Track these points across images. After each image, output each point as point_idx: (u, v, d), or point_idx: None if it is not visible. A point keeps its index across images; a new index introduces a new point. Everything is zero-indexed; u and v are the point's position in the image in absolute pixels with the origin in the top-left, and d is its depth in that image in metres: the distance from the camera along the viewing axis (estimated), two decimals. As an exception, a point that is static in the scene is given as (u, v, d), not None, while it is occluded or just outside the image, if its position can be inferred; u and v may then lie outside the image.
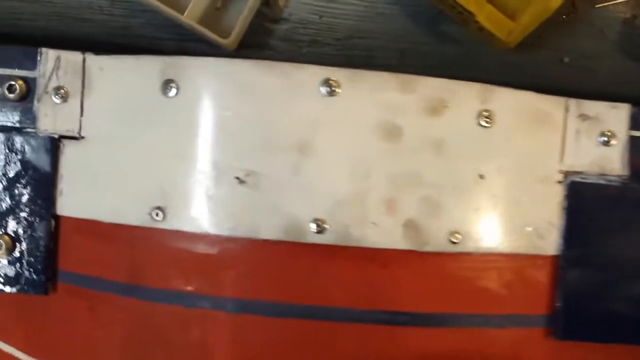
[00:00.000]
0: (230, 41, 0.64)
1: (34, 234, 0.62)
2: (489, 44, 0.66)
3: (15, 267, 0.63)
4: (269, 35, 0.69)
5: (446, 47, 0.70)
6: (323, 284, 0.59)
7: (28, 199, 0.62)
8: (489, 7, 0.62)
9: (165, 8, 0.63)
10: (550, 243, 0.62)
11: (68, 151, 0.62)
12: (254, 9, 0.64)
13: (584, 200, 0.62)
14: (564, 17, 0.68)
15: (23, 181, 0.62)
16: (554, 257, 0.62)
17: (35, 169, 0.62)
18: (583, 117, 0.62)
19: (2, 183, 0.63)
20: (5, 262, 0.63)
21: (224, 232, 0.59)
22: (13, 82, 0.61)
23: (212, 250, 0.60)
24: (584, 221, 0.62)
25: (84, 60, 0.61)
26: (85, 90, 0.61)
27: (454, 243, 0.59)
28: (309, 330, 0.60)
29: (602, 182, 0.63)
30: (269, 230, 0.58)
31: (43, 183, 0.62)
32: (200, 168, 0.59)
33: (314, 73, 0.58)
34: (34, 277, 0.63)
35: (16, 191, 0.62)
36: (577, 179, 0.62)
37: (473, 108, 0.59)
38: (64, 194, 0.62)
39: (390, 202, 0.58)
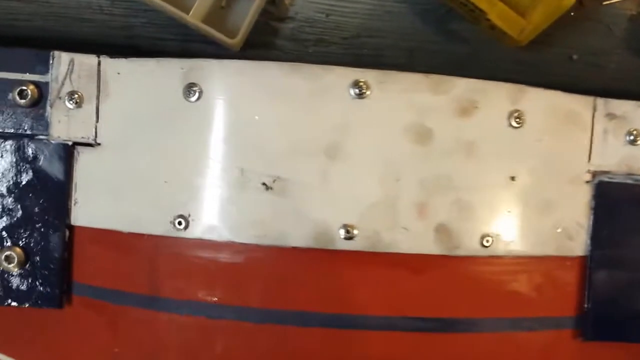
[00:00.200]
0: (237, 41, 0.62)
1: (47, 246, 0.60)
2: (500, 42, 0.66)
3: (27, 281, 0.61)
4: (274, 34, 0.68)
5: (455, 45, 0.70)
6: (352, 291, 0.58)
7: (41, 209, 0.60)
8: (501, 4, 0.62)
9: (170, 8, 0.61)
10: (579, 244, 0.61)
11: (83, 158, 0.60)
12: (260, 7, 0.63)
13: (611, 200, 0.62)
14: (572, 13, 0.68)
15: (35, 190, 0.60)
16: (582, 258, 0.62)
17: (48, 177, 0.60)
18: (610, 116, 0.62)
19: (13, 193, 0.60)
20: (17, 275, 0.61)
21: (250, 240, 0.57)
22: (24, 87, 0.59)
23: (238, 259, 0.58)
24: (612, 221, 0.62)
25: (99, 64, 0.59)
26: (101, 95, 0.59)
27: (485, 246, 0.58)
28: (339, 339, 0.58)
29: (629, 181, 0.62)
30: (297, 237, 0.57)
31: (56, 192, 0.60)
32: (224, 174, 0.57)
33: (343, 75, 0.56)
34: (48, 290, 0.61)
35: (28, 201, 0.60)
36: (605, 178, 0.62)
37: (504, 108, 0.58)
38: (78, 203, 0.60)
39: (421, 206, 0.57)
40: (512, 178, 0.59)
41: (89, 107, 0.59)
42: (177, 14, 0.61)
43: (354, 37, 0.68)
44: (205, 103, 0.57)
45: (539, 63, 0.70)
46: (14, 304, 0.61)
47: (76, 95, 0.59)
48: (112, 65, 0.59)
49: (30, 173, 0.60)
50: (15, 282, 0.61)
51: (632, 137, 0.62)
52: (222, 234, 0.57)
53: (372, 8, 0.68)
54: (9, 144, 0.60)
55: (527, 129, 0.59)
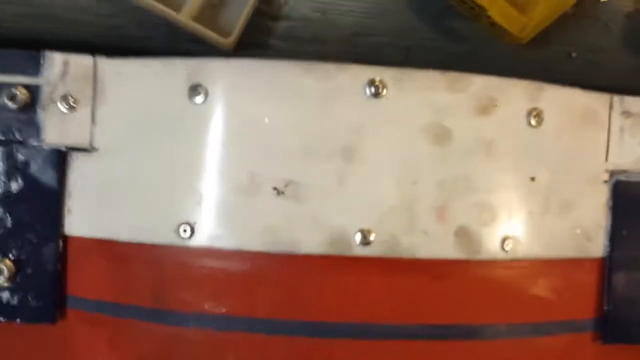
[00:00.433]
0: (231, 40, 0.60)
1: (39, 257, 0.57)
2: (500, 40, 0.65)
3: (18, 295, 0.57)
4: (268, 33, 0.66)
5: (453, 43, 0.68)
6: (369, 299, 0.56)
7: (32, 218, 0.57)
8: (501, 1, 0.61)
9: (160, 7, 0.59)
10: (598, 245, 0.60)
11: (77, 164, 0.57)
12: (254, 6, 0.61)
13: (629, 200, 0.61)
14: (569, 10, 0.67)
15: (27, 199, 0.57)
16: (601, 260, 0.61)
17: (40, 185, 0.57)
18: (626, 114, 0.61)
19: (3, 201, 0.57)
20: (6, 288, 0.57)
21: (260, 247, 0.55)
22: (15, 90, 0.56)
23: (247, 268, 0.56)
24: (630, 221, 0.61)
25: (95, 65, 0.56)
26: (98, 97, 0.56)
27: (506, 250, 0.56)
28: (355, 350, 0.56)
29: (646, 180, 0.61)
30: (310, 243, 0.54)
31: (49, 200, 0.57)
32: (232, 179, 0.54)
33: (358, 74, 0.54)
34: (40, 304, 0.58)
35: (19, 210, 0.57)
36: (622, 178, 0.61)
37: (522, 107, 0.57)
38: (72, 211, 0.57)
39: (441, 209, 0.55)
40: (532, 178, 0.57)
41: (84, 110, 0.56)
42: (167, 14, 0.59)
43: (350, 36, 0.66)
44: (211, 104, 0.55)
45: (538, 60, 0.69)
46: (2, 319, 0.57)
47: (70, 98, 0.56)
48: (110, 66, 0.56)
49: (21, 180, 0.57)
50: (4, 296, 0.57)
51: (647, 136, 0.61)
52: (230, 242, 0.55)
53: (368, 6, 0.66)
54: (-2, 150, 0.57)
55: (545, 127, 0.57)
